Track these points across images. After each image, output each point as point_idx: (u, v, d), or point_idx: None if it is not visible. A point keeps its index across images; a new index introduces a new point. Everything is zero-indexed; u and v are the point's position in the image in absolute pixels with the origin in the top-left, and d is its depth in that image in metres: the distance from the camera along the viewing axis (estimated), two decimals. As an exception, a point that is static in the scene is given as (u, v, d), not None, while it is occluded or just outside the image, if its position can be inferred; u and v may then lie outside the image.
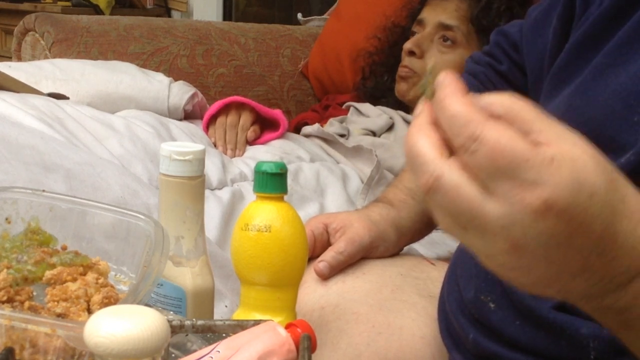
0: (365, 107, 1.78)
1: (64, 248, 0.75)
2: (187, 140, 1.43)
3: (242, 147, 1.53)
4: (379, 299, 0.92)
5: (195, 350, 0.64)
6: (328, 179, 1.45)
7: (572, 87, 0.75)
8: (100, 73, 1.60)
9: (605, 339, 0.68)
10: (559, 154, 0.45)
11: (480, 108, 0.47)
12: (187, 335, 0.68)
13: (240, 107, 1.57)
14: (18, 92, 1.37)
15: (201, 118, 1.62)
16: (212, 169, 1.33)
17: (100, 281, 0.69)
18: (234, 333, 0.63)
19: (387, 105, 1.77)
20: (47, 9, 3.13)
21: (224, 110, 1.56)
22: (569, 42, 0.79)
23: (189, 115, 1.65)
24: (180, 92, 1.62)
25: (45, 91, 1.48)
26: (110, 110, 1.49)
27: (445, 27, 1.66)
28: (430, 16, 1.70)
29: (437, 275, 0.97)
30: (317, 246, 0.99)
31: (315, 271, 0.96)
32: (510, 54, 1.03)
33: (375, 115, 1.73)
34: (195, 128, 1.53)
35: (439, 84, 0.48)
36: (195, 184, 0.79)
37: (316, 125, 1.68)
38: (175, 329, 0.64)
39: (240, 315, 0.76)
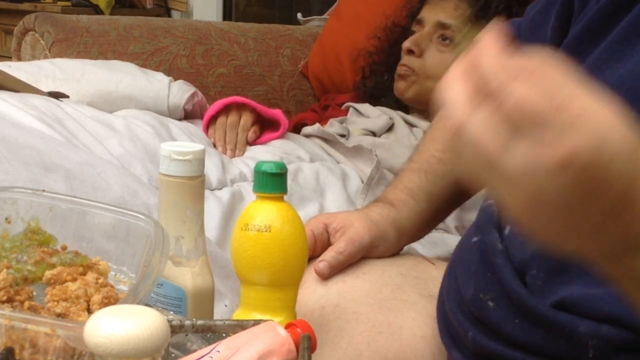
0: (365, 107, 1.78)
1: (64, 248, 0.75)
2: (187, 140, 1.43)
3: (242, 147, 1.53)
4: (379, 298, 0.92)
5: (195, 350, 0.64)
6: (328, 178, 1.45)
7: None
8: (100, 72, 1.60)
9: (604, 338, 0.68)
10: (585, 112, 0.45)
11: (516, 61, 0.47)
12: (187, 335, 0.68)
13: (240, 107, 1.57)
14: (19, 91, 1.37)
15: (201, 117, 1.62)
16: (212, 169, 1.33)
17: (100, 281, 0.69)
18: (234, 333, 0.63)
19: (387, 105, 1.77)
20: (47, 8, 3.12)
21: (224, 110, 1.56)
22: (567, 37, 0.79)
23: (189, 115, 1.65)
24: (180, 92, 1.61)
25: (46, 91, 1.48)
26: (110, 110, 1.49)
27: (444, 26, 1.66)
28: (429, 15, 1.70)
29: (437, 275, 0.96)
30: (317, 246, 0.99)
31: (315, 271, 0.96)
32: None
33: (375, 115, 1.73)
34: (195, 128, 1.53)
35: (481, 36, 0.49)
36: (195, 184, 0.79)
37: (316, 125, 1.68)
38: (175, 329, 0.64)
39: (240, 315, 0.76)
